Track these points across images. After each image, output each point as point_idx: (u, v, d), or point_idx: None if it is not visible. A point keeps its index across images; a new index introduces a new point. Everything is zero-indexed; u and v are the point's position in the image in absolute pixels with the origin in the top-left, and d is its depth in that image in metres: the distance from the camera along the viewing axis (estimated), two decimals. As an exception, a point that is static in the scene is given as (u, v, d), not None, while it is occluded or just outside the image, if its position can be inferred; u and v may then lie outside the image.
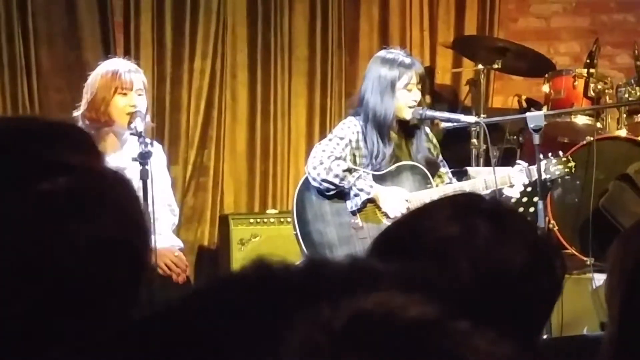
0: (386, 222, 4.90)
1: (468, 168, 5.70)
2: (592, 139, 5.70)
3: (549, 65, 6.59)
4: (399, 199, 4.98)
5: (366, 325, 0.75)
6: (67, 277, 1.23)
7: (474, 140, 6.20)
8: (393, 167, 5.06)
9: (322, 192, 5.01)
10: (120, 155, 4.67)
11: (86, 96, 4.74)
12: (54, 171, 1.25)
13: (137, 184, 4.36)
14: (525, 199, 5.02)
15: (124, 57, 5.21)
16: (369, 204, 5.00)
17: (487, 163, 5.93)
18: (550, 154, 5.10)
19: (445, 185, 5.13)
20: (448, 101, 7.10)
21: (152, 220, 4.30)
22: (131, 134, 4.58)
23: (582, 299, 5.24)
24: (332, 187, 4.96)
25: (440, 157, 5.29)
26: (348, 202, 5.01)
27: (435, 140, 5.30)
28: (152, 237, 4.31)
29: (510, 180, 5.01)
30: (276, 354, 0.78)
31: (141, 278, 1.32)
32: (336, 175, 4.93)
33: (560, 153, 5.16)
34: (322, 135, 6.02)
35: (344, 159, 4.98)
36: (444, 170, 5.27)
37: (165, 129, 6.46)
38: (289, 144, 6.89)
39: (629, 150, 5.79)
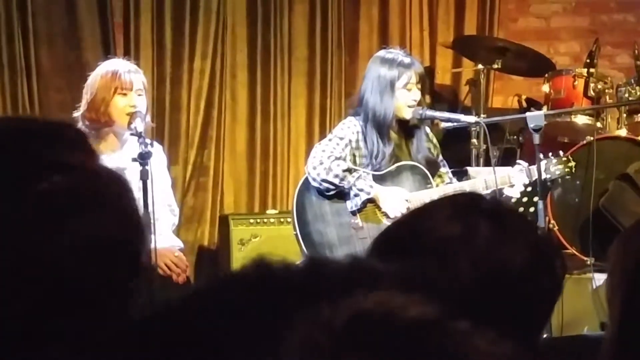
0: (386, 222, 4.90)
1: (468, 168, 5.70)
2: (592, 138, 5.69)
3: (549, 65, 6.59)
4: (399, 199, 4.97)
5: (366, 325, 0.75)
6: (66, 277, 1.22)
7: (474, 140, 6.20)
8: (393, 167, 5.06)
9: (322, 192, 5.01)
10: (120, 156, 4.67)
11: (86, 96, 4.74)
12: (52, 171, 1.25)
13: (137, 184, 4.36)
14: (525, 199, 5.02)
15: (124, 57, 5.21)
16: (369, 204, 5.00)
17: (487, 163, 5.93)
18: (550, 154, 5.10)
19: (445, 185, 5.12)
20: (448, 101, 7.10)
21: (152, 221, 4.30)
22: (131, 134, 4.58)
23: (583, 299, 5.24)
24: (332, 187, 4.96)
25: (441, 157, 5.29)
26: (348, 202, 5.00)
27: (435, 140, 5.30)
28: (151, 236, 4.31)
29: (510, 180, 5.00)
30: (276, 354, 0.78)
31: (139, 277, 1.31)
32: (336, 175, 4.93)
33: (561, 153, 5.16)
34: (322, 135, 6.02)
35: (344, 159, 4.98)
36: (444, 170, 5.27)
37: (165, 129, 6.46)
38: (288, 144, 6.89)
39: (629, 150, 5.79)
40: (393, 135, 5.10)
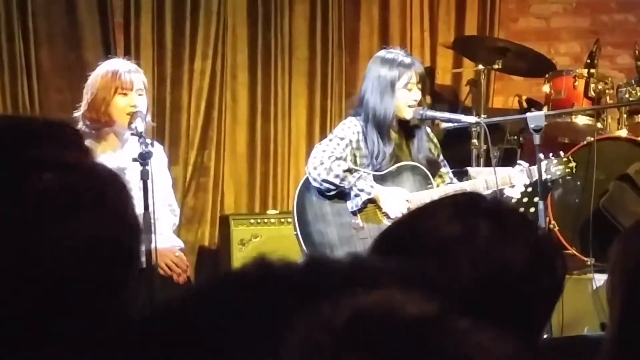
0: (387, 223, 4.89)
1: (469, 168, 5.70)
2: (592, 139, 5.69)
3: (550, 66, 6.59)
4: (399, 199, 4.97)
5: (366, 324, 0.75)
6: (65, 277, 1.22)
7: (475, 141, 6.20)
8: (394, 167, 5.06)
9: (322, 193, 5.01)
10: (120, 155, 4.67)
11: (86, 96, 4.74)
12: (47, 169, 1.24)
13: (137, 184, 4.36)
14: (525, 200, 5.01)
15: (124, 57, 5.21)
16: (370, 204, 5.00)
17: (488, 163, 5.93)
18: (550, 155, 5.10)
19: (445, 186, 5.12)
20: (448, 101, 7.10)
21: (152, 220, 4.30)
22: (132, 134, 4.57)
23: (583, 300, 5.24)
24: (332, 187, 4.96)
25: (441, 157, 5.29)
26: (348, 202, 5.00)
27: (436, 140, 5.30)
28: (150, 236, 4.30)
29: (511, 181, 5.00)
30: (276, 354, 0.78)
31: (137, 276, 1.31)
32: (337, 176, 4.93)
33: (561, 153, 5.15)
34: (323, 135, 6.02)
35: (345, 159, 4.98)
36: (445, 170, 5.26)
37: (166, 130, 6.46)
38: (289, 145, 6.89)
39: (629, 151, 5.79)
40: (393, 135, 5.10)
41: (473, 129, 6.10)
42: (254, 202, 6.79)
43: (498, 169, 5.17)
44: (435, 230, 1.57)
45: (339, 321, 0.76)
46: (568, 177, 5.37)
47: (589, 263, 5.39)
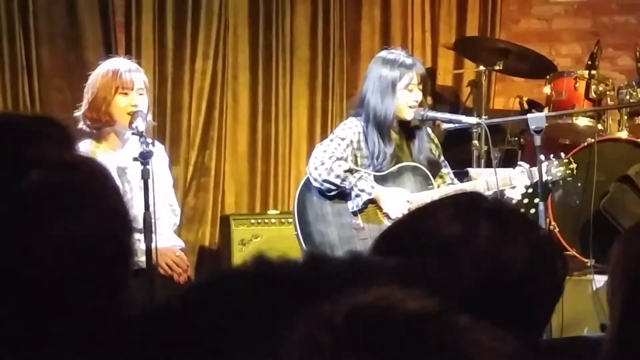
0: (387, 223, 4.89)
1: (469, 169, 5.70)
2: (593, 140, 5.69)
3: (551, 67, 6.58)
4: (400, 200, 4.97)
5: (366, 321, 0.75)
6: (65, 277, 1.22)
7: (475, 142, 6.20)
8: (394, 167, 5.06)
9: (323, 193, 5.01)
10: (121, 155, 4.67)
11: (87, 96, 4.74)
12: (31, 168, 1.24)
13: (138, 184, 4.36)
14: (526, 201, 5.01)
15: (125, 57, 5.20)
16: (370, 204, 5.00)
17: (489, 164, 5.93)
18: (551, 156, 5.09)
19: (446, 186, 5.12)
20: (449, 102, 7.10)
21: (153, 220, 4.30)
22: (132, 133, 4.57)
23: (583, 301, 5.24)
24: (333, 187, 4.96)
25: (442, 158, 5.29)
26: (349, 202, 5.00)
27: (437, 141, 5.30)
28: (150, 235, 4.29)
29: (511, 182, 5.00)
30: (276, 354, 0.78)
31: (129, 270, 1.30)
32: (337, 176, 4.93)
33: (562, 155, 5.15)
34: (324, 136, 6.02)
35: (345, 160, 4.98)
36: (446, 170, 5.26)
37: (167, 130, 6.46)
38: (290, 145, 6.89)
39: (630, 152, 5.79)
40: (394, 135, 5.09)
41: (474, 130, 6.10)
42: (254, 202, 6.79)
43: (499, 170, 5.16)
44: (436, 230, 1.57)
45: (338, 319, 0.75)
46: (568, 179, 5.37)
47: (589, 264, 5.39)
